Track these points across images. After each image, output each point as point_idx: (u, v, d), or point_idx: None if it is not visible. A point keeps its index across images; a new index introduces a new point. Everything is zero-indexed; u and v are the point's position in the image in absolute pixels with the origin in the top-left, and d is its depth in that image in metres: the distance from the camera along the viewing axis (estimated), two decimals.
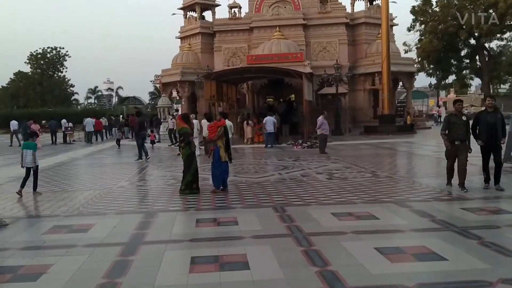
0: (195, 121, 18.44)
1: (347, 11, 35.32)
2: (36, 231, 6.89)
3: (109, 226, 6.82)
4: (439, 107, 57.71)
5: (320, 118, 17.96)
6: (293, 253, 5.23)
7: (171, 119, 26.22)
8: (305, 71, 26.54)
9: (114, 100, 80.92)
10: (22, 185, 9.81)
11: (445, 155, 9.22)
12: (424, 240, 5.56)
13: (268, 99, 36.94)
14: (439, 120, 41.87)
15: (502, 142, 8.94)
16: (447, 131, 9.00)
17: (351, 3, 36.55)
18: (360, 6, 36.79)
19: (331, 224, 6.57)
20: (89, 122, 29.35)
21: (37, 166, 10.15)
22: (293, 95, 37.53)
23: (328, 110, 30.90)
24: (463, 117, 8.87)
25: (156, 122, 28.45)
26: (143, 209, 8.07)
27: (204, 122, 18.42)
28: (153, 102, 75.35)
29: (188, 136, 9.49)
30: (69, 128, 29.33)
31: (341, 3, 35.23)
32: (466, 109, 58.07)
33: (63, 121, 29.64)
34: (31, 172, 9.96)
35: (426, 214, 6.94)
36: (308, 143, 21.86)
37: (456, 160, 8.93)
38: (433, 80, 44.30)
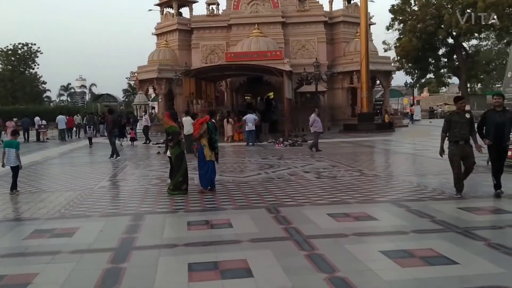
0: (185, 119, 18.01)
1: (325, 9, 35.32)
2: (17, 235, 6.44)
3: (95, 230, 6.43)
4: (412, 105, 58.54)
5: (313, 116, 17.74)
6: (297, 258, 4.96)
7: (144, 115, 25.77)
8: (285, 69, 26.30)
9: (88, 97, 79.32)
10: (13, 186, 9.49)
11: (449, 158, 8.07)
12: (430, 242, 5.36)
13: (246, 97, 36.70)
14: (413, 119, 42.24)
15: (509, 144, 8.27)
16: (447, 133, 8.13)
17: (329, 2, 36.62)
18: (338, 5, 36.78)
19: (330, 225, 6.33)
20: (61, 120, 28.66)
21: (17, 166, 9.69)
22: (271, 93, 37.42)
23: (307, 109, 30.99)
24: (466, 114, 8.03)
25: (133, 120, 27.82)
26: (129, 211, 7.68)
27: (186, 119, 18.08)
28: (127, 100, 74.15)
29: (177, 135, 9.12)
30: (42, 126, 28.42)
31: (318, 2, 35.22)
32: (440, 107, 59.30)
33: (37, 118, 28.67)
34: (18, 170, 9.61)
35: (424, 214, 6.77)
36: (289, 141, 21.66)
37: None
38: (410, 79, 44.80)
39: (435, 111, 54.02)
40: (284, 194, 8.72)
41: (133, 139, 23.65)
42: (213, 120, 9.47)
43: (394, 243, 5.41)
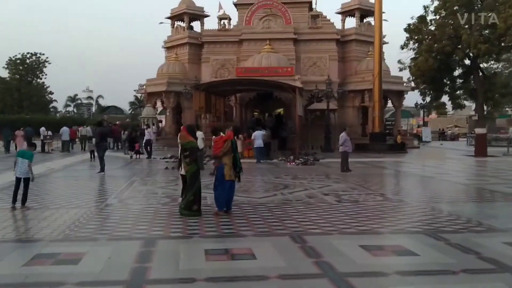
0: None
1: (337, 27, 34.99)
2: (16, 260, 5.77)
3: (102, 256, 5.77)
4: (419, 127, 57.83)
5: (344, 135, 17.06)
6: None
7: (147, 129, 25.19)
8: (298, 86, 25.80)
9: (94, 109, 79.08)
10: (14, 198, 9.00)
11: None
12: (489, 286, 4.68)
13: (254, 113, 36.21)
14: (423, 140, 41.46)
15: None
16: None
17: (341, 20, 36.32)
18: (350, 24, 36.38)
19: (366, 260, 5.65)
20: (65, 131, 28.29)
21: (29, 178, 9.25)
22: (280, 110, 36.91)
23: (317, 127, 30.50)
24: None
25: (140, 133, 27.21)
26: (140, 234, 7.02)
27: (198, 134, 17.48)
28: (133, 113, 73.81)
29: (195, 151, 8.48)
30: (48, 137, 27.90)
31: (329, 20, 34.91)
32: (450, 130, 58.60)
33: (42, 129, 28.20)
34: (21, 183, 9.10)
35: (468, 250, 6.08)
36: (301, 159, 21.02)
37: None
38: (420, 100, 44.16)
39: (445, 133, 53.33)
40: (306, 219, 8.05)
41: (138, 152, 23.42)
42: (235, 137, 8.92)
43: (446, 286, 4.73)
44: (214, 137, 8.98)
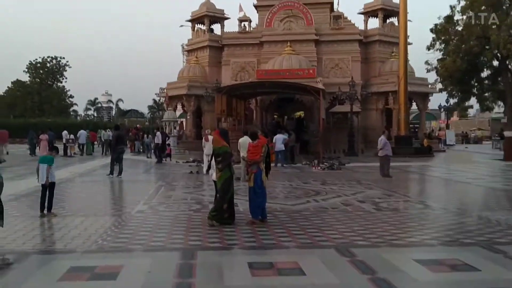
0: (210, 137, 17.16)
1: (360, 28, 34.39)
2: (49, 275, 5.45)
3: (141, 270, 5.43)
4: (440, 129, 56.62)
5: (383, 138, 16.47)
6: None
7: (157, 132, 24.97)
8: (321, 88, 25.32)
9: (114, 112, 79.54)
10: (42, 207, 8.74)
11: None
12: None
13: (274, 116, 35.83)
14: (446, 143, 40.48)
15: None
16: None
17: (364, 20, 35.69)
18: (372, 24, 35.74)
19: (425, 277, 5.21)
20: (82, 134, 28.33)
21: (53, 183, 8.95)
22: (300, 113, 36.42)
23: (338, 130, 29.91)
24: None
25: (163, 136, 26.99)
26: (176, 244, 6.67)
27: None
28: (153, 116, 74.06)
29: (229, 156, 8.09)
30: (70, 141, 27.88)
31: (350, 21, 34.35)
32: (473, 133, 57.32)
33: (64, 132, 28.20)
34: (47, 189, 8.82)
35: None
36: (326, 164, 20.53)
37: None
38: (443, 102, 43.30)
39: (469, 136, 52.21)
40: (348, 229, 7.61)
41: (169, 155, 24.01)
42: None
43: None
44: (252, 141, 8.55)
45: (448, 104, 44.47)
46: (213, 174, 8.47)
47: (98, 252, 6.29)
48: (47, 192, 8.84)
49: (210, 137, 17.01)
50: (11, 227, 7.52)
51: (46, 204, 8.81)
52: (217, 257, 6.02)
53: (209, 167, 8.68)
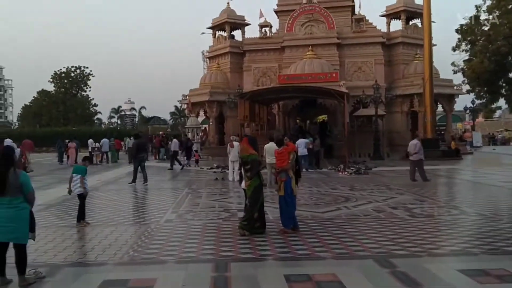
0: (236, 143, 17.06)
1: (382, 30, 33.96)
2: None
3: (176, 284, 5.30)
4: (464, 131, 55.41)
5: (417, 142, 16.16)
6: None
7: (173, 139, 24.79)
8: (346, 91, 25.01)
9: (137, 119, 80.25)
10: (81, 216, 8.84)
11: None
12: None
13: (297, 120, 35.61)
14: (473, 145, 39.53)
15: None
16: None
17: (386, 23, 35.22)
18: (394, 26, 35.20)
19: None
20: (105, 143, 28.56)
21: (86, 193, 9.02)
22: (322, 117, 36.06)
23: (362, 133, 29.50)
24: None
25: (186, 143, 27.05)
26: (208, 255, 6.52)
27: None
28: (175, 123, 74.54)
29: (258, 164, 7.92)
30: (96, 149, 28.12)
31: (371, 23, 33.94)
32: (500, 134, 56.03)
33: (90, 141, 28.47)
34: (83, 198, 8.94)
35: None
36: (352, 168, 20.20)
37: None
38: (469, 103, 42.40)
39: (495, 137, 51.04)
40: (384, 238, 7.35)
41: (197, 161, 24.48)
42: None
43: None
44: (278, 148, 8.36)
45: (474, 105, 43.52)
46: (243, 183, 8.31)
47: (130, 264, 6.19)
48: (79, 202, 8.92)
49: (236, 144, 16.93)
50: (41, 238, 7.48)
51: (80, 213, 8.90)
52: (252, 269, 5.84)
53: (241, 178, 8.50)
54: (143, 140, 20.08)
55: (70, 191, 9.01)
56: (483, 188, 14.24)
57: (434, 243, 6.96)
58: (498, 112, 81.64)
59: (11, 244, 5.38)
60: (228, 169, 20.15)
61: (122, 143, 34.15)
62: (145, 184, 15.61)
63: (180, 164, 23.31)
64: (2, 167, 5.26)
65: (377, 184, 15.12)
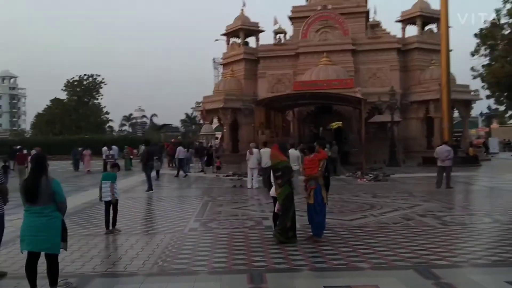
0: (255, 150, 16.88)
1: (397, 36, 33.69)
2: None
3: None
4: (479, 137, 54.68)
5: (447, 147, 15.86)
6: None
7: (179, 147, 24.42)
8: (363, 98, 24.75)
9: (147, 127, 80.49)
10: (107, 224, 8.75)
11: None
12: None
13: (311, 127, 35.34)
14: (489, 151, 38.86)
15: None
16: None
17: (402, 28, 34.98)
18: (410, 32, 34.92)
19: None
20: (115, 150, 28.62)
21: (117, 199, 8.96)
22: (336, 123, 35.74)
23: (378, 140, 29.19)
24: None
25: (202, 150, 26.93)
26: (240, 266, 6.31)
27: (265, 151, 16.82)
28: (186, 130, 74.63)
29: (289, 171, 7.70)
30: (110, 156, 28.05)
31: (384, 30, 33.68)
32: None
33: (104, 148, 28.42)
34: (111, 206, 8.85)
35: None
36: (370, 175, 19.92)
37: None
38: (485, 109, 41.83)
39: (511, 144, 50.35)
40: (420, 247, 7.09)
41: (219, 168, 24.39)
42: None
43: None
44: (309, 155, 8.13)
45: (490, 111, 42.96)
46: (272, 190, 8.10)
47: (162, 275, 5.99)
48: (111, 209, 8.87)
49: (255, 151, 16.75)
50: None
51: (110, 220, 8.83)
52: (289, 280, 5.63)
53: (269, 185, 8.29)
54: (153, 147, 20.04)
55: (101, 198, 8.94)
56: (508, 195, 13.86)
57: (473, 253, 6.69)
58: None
59: (42, 254, 5.22)
60: (244, 177, 20.01)
61: (135, 151, 34.17)
62: (149, 191, 15.68)
63: (184, 172, 23.02)
64: (34, 174, 5.11)
65: (399, 191, 14.83)
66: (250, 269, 6.09)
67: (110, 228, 8.78)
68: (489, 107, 42.07)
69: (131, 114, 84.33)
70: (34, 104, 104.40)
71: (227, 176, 22.06)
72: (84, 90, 68.84)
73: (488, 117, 48.01)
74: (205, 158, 25.82)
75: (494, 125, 79.21)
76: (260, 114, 24.92)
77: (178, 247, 7.51)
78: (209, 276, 5.88)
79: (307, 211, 8.01)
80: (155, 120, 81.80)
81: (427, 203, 11.96)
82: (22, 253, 5.28)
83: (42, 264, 5.27)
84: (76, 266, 6.49)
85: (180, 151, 23.44)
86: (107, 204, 8.84)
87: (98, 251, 7.47)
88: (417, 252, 6.78)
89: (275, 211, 7.90)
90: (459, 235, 7.92)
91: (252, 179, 16.73)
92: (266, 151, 16.85)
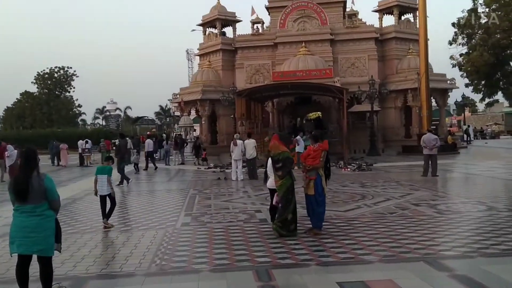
0: (239, 142, 16.57)
1: (375, 25, 33.69)
2: None
3: None
4: (451, 126, 55.61)
5: (434, 136, 15.81)
6: None
7: (147, 140, 23.88)
8: (345, 88, 24.67)
9: (121, 120, 78.98)
10: (104, 215, 8.57)
11: None
12: None
13: (290, 118, 35.16)
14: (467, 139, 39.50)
15: None
16: None
17: (379, 18, 34.95)
18: (387, 21, 34.97)
19: None
20: (89, 144, 28.09)
21: (114, 194, 8.81)
22: (317, 113, 35.65)
23: (356, 129, 29.26)
24: None
25: (181, 142, 26.44)
26: (244, 262, 6.01)
27: (249, 142, 16.54)
28: (161, 122, 73.61)
29: (290, 162, 7.44)
30: (86, 150, 27.34)
31: (361, 19, 33.61)
32: (489, 128, 56.42)
33: (80, 142, 27.70)
34: (107, 200, 8.66)
35: None
36: (353, 164, 19.89)
37: None
38: (459, 97, 42.47)
39: (485, 131, 51.37)
40: (424, 237, 6.93)
41: (205, 159, 24.07)
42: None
43: None
44: (313, 145, 7.83)
45: (463, 99, 43.59)
46: (269, 181, 7.81)
47: (162, 275, 5.64)
48: (110, 203, 8.69)
49: (239, 142, 16.45)
50: None
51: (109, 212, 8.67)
52: (298, 277, 5.36)
53: (265, 177, 8.00)
54: (126, 141, 19.64)
55: (96, 193, 8.67)
56: (496, 182, 13.94)
57: (479, 242, 6.56)
58: (481, 106, 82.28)
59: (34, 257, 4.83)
60: (227, 169, 19.70)
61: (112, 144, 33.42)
62: (122, 185, 15.42)
63: (154, 165, 22.52)
64: (24, 171, 4.69)
65: (385, 180, 14.78)
66: (254, 266, 5.82)
67: (103, 219, 8.54)
68: (463, 96, 42.50)
69: (104, 107, 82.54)
70: (2, 98, 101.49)
71: (208, 168, 21.68)
72: (55, 83, 67.12)
73: (461, 106, 48.64)
74: (192, 150, 25.59)
75: (467, 113, 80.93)
76: (241, 105, 24.59)
77: (173, 243, 7.17)
78: (212, 274, 5.57)
79: (306, 203, 7.79)
80: (129, 112, 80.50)
81: (417, 191, 11.89)
82: (11, 256, 4.87)
83: (32, 267, 4.87)
84: (67, 267, 6.07)
85: (149, 144, 22.90)
86: (103, 198, 8.60)
87: (89, 250, 7.06)
88: (422, 243, 6.62)
89: (273, 203, 7.64)
90: (460, 224, 7.81)
91: (237, 171, 16.44)
92: (250, 142, 16.61)
